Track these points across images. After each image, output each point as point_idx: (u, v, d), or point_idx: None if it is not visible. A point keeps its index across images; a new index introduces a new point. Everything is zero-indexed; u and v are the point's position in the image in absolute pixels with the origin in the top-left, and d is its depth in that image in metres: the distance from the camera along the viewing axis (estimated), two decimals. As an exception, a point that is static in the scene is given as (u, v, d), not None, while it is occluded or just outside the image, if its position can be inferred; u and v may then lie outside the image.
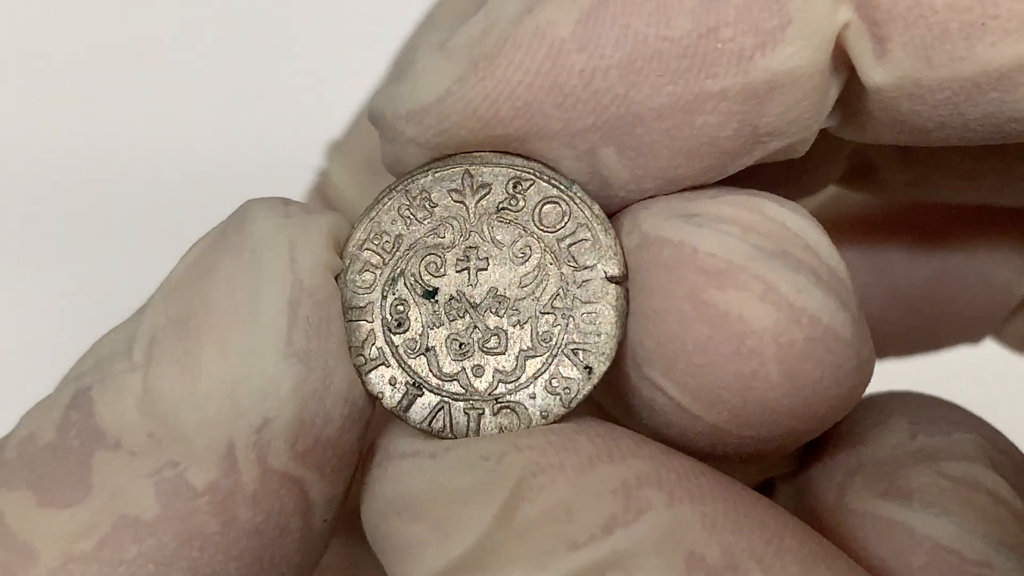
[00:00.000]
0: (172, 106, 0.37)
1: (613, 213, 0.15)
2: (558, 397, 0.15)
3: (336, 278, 0.15)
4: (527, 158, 0.15)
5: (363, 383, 0.15)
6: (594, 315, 0.15)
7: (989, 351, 0.24)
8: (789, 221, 0.14)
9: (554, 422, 0.14)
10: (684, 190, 0.15)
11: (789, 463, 0.17)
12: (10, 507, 0.14)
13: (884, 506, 0.15)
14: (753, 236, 0.14)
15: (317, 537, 0.15)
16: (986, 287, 0.22)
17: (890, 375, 0.18)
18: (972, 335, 0.23)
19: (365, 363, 0.15)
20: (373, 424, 0.15)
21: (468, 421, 0.15)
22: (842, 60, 0.14)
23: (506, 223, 0.15)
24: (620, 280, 0.15)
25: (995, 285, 0.22)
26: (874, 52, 0.14)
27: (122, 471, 0.14)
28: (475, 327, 0.15)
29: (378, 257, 0.15)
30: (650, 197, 0.15)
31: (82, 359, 0.15)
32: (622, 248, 0.15)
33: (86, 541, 0.13)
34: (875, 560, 0.15)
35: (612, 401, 0.15)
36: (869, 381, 0.15)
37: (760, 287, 0.14)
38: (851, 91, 0.15)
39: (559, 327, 0.15)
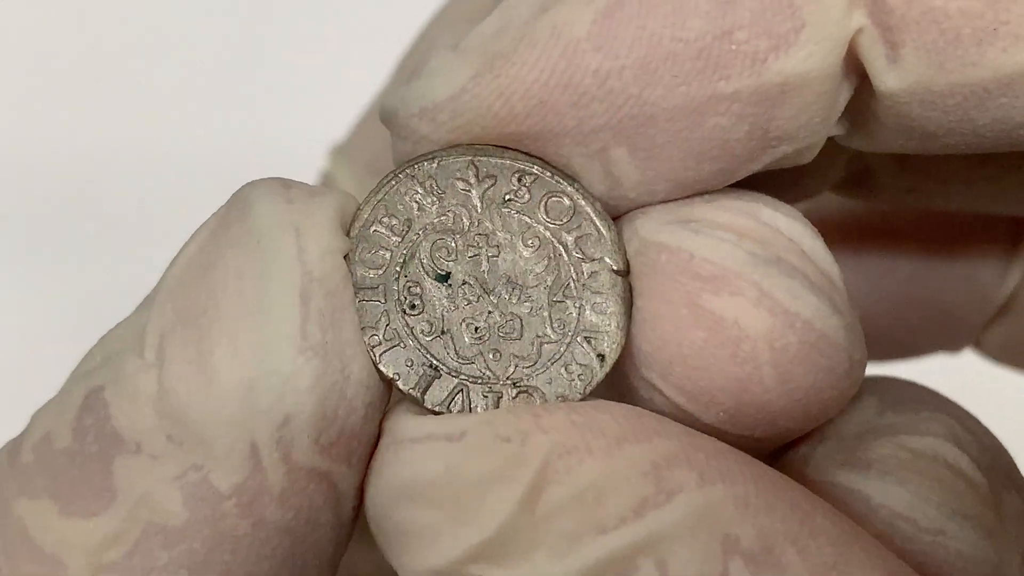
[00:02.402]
0: (174, 107, 0.37)
1: (622, 215, 0.15)
2: (575, 382, 0.15)
3: (345, 257, 0.14)
4: (529, 155, 0.15)
5: (376, 365, 0.14)
6: (604, 305, 0.15)
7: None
8: (784, 226, 0.15)
9: None
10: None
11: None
12: (33, 518, 0.13)
13: (842, 475, 0.15)
14: (748, 242, 0.14)
15: (348, 525, 0.15)
16: (967, 290, 0.22)
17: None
18: (952, 341, 0.23)
19: (380, 344, 0.15)
20: None
21: (487, 404, 0.15)
22: (853, 66, 0.14)
23: (514, 213, 0.15)
24: (624, 274, 0.15)
25: (976, 288, 0.22)
26: (887, 57, 0.14)
27: (145, 476, 0.13)
28: (490, 312, 0.15)
29: (388, 238, 0.15)
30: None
31: (89, 355, 0.15)
32: (623, 243, 0.15)
33: (115, 550, 0.13)
34: None
35: (615, 398, 0.16)
36: (861, 381, 0.15)
37: (755, 293, 0.14)
38: (861, 98, 0.15)
39: (572, 314, 0.15)
